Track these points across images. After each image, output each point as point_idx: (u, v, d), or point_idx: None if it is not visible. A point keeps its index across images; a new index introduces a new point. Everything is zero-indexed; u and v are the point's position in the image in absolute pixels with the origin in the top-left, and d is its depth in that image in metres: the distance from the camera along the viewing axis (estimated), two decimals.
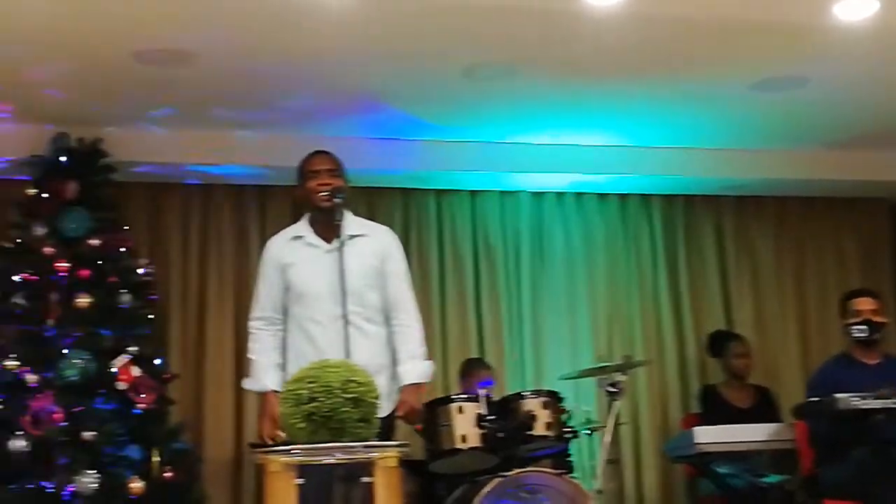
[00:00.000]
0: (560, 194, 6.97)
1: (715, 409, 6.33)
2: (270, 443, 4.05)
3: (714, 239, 7.18)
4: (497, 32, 4.90)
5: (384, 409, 3.96)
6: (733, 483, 5.71)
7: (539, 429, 5.02)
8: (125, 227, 5.89)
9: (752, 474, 5.64)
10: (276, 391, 4.17)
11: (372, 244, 4.38)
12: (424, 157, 6.42)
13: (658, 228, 7.09)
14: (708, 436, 5.53)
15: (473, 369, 6.08)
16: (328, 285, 4.20)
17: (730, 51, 5.20)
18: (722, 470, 5.67)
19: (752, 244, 7.22)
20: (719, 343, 6.62)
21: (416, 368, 4.32)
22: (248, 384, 4.51)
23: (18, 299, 5.37)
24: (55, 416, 5.12)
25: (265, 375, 4.32)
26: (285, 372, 4.27)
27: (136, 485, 5.12)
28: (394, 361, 4.36)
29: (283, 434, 3.97)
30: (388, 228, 4.64)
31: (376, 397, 3.43)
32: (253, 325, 4.45)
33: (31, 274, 5.42)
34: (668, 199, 7.13)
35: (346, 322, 4.07)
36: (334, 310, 4.14)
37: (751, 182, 6.95)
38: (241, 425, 6.19)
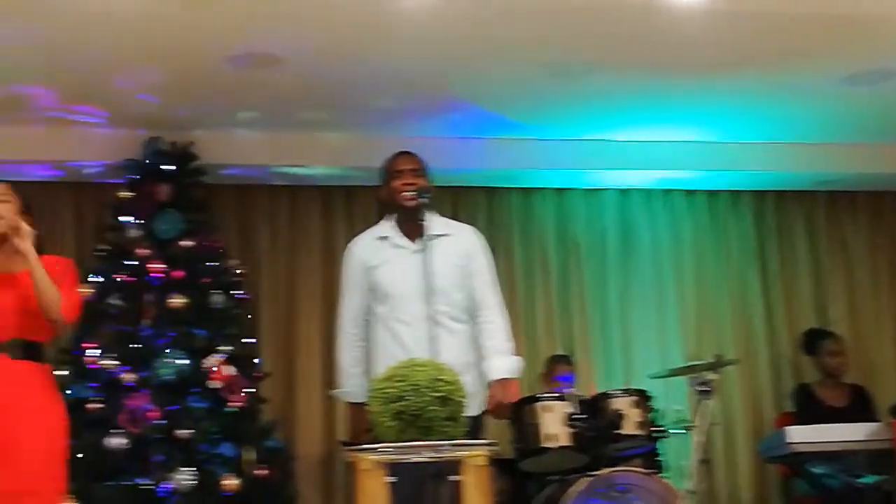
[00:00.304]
0: (647, 191, 6.91)
1: (809, 409, 6.22)
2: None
3: (806, 235, 7.05)
4: (581, 30, 4.88)
5: (472, 408, 3.98)
6: (829, 484, 5.60)
7: (628, 428, 4.98)
8: (216, 229, 5.99)
9: (849, 475, 5.53)
10: (364, 403, 4.18)
11: (457, 243, 4.39)
12: (509, 156, 6.41)
13: (748, 225, 6.99)
14: (802, 435, 5.44)
15: (556, 366, 6.06)
16: (415, 285, 4.21)
17: (820, 44, 5.11)
18: (817, 470, 5.57)
19: (845, 240, 7.08)
20: (813, 341, 6.50)
21: (504, 364, 4.32)
22: (336, 394, 4.53)
23: (115, 300, 5.48)
24: (151, 414, 5.21)
25: (355, 387, 4.34)
26: (373, 371, 4.29)
27: (231, 482, 5.19)
28: (480, 359, 4.36)
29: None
30: (472, 227, 4.64)
31: (464, 396, 3.44)
32: (341, 329, 4.46)
33: (127, 275, 5.53)
34: (759, 195, 7.03)
35: (434, 322, 4.09)
36: (421, 309, 4.15)
37: (843, 177, 6.81)
38: (332, 423, 6.23)
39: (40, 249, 3.89)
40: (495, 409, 4.28)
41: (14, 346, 3.72)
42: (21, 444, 3.62)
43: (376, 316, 4.39)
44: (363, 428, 4.15)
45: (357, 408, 4.31)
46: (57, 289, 3.75)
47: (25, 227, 3.72)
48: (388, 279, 4.33)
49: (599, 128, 6.27)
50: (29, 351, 3.77)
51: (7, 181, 3.98)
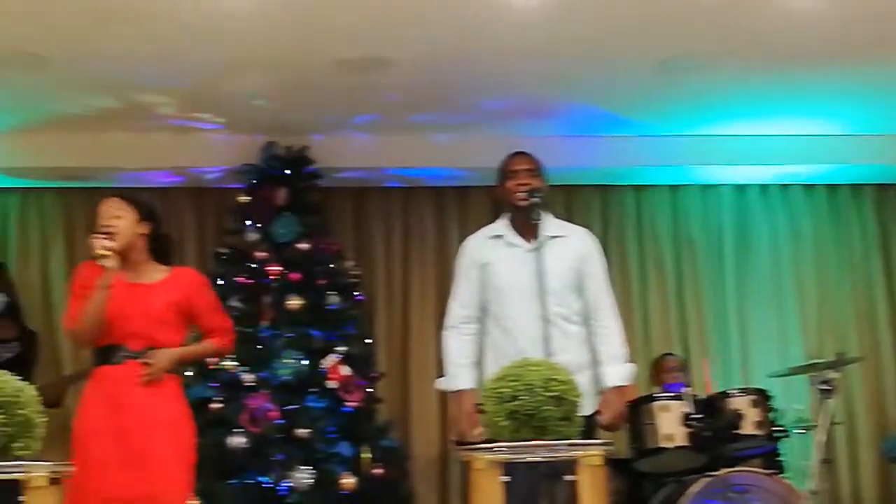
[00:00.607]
0: (764, 186, 6.78)
1: None
2: (473, 440, 4.07)
3: None
4: (694, 24, 4.80)
5: (586, 408, 3.95)
6: None
7: (747, 427, 4.90)
8: (331, 231, 6.07)
9: None
10: (471, 389, 4.17)
11: (571, 245, 4.33)
12: (621, 153, 6.35)
13: (870, 219, 6.80)
14: None
15: (666, 364, 5.97)
16: (528, 285, 4.17)
17: None
18: None
19: None
20: None
21: (619, 371, 4.26)
22: (441, 384, 4.51)
23: (234, 302, 5.57)
24: (271, 413, 5.30)
25: (460, 375, 4.32)
26: (483, 369, 4.28)
27: (348, 481, 5.25)
28: (594, 362, 4.32)
29: (480, 430, 4.00)
30: (586, 230, 4.58)
31: (578, 395, 3.40)
32: (449, 324, 4.44)
33: (246, 278, 5.64)
34: (882, 188, 6.83)
35: (547, 321, 4.06)
36: (535, 309, 4.12)
37: None
38: (447, 423, 6.24)
39: (170, 258, 4.00)
40: (612, 422, 4.22)
41: (146, 355, 3.81)
42: (154, 450, 3.72)
43: (489, 314, 4.36)
44: (468, 418, 4.13)
45: (462, 396, 4.26)
46: (215, 346, 3.98)
47: None
48: (501, 277, 4.30)
49: (713, 122, 6.17)
50: None
51: (129, 188, 4.09)
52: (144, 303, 3.81)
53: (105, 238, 3.75)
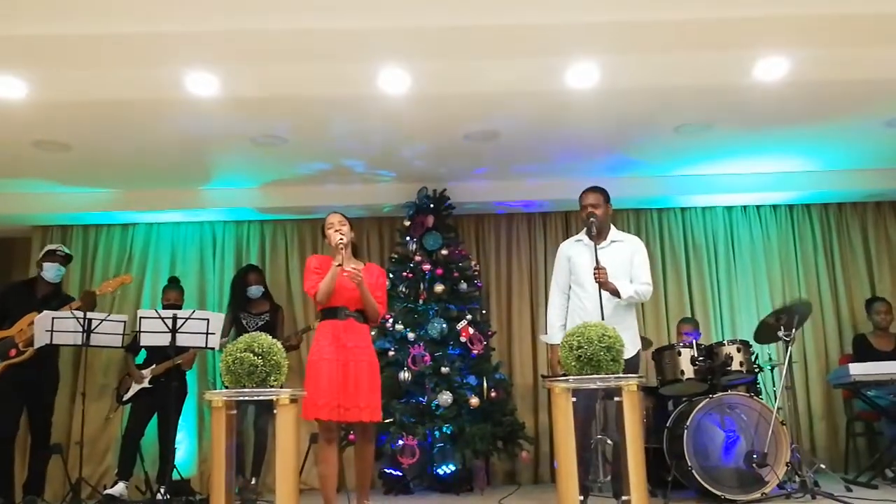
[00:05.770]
0: (745, 207, 6.56)
1: (863, 352, 5.75)
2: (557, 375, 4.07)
3: (861, 237, 6.51)
4: (699, 99, 4.72)
5: (629, 353, 3.91)
6: (879, 402, 5.18)
7: (735, 366, 4.79)
8: (461, 242, 6.11)
9: (893, 395, 5.13)
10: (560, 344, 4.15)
11: (626, 247, 4.27)
12: (647, 187, 6.22)
13: (817, 228, 6.53)
14: (860, 370, 5.04)
15: (685, 325, 5.85)
16: (592, 271, 4.13)
17: (863, 99, 4.73)
18: (870, 393, 5.16)
19: (888, 236, 6.51)
20: (868, 305, 6.00)
21: (629, 289, 4.11)
22: (543, 338, 4.49)
23: (402, 288, 5.69)
24: (425, 358, 5.39)
25: (555, 334, 4.32)
26: (569, 326, 4.23)
27: (474, 400, 5.31)
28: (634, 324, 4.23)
29: (561, 370, 3.99)
30: (638, 238, 4.50)
31: (623, 345, 3.38)
32: (551, 297, 4.38)
33: (408, 273, 5.73)
34: (825, 206, 6.56)
35: (604, 296, 4.02)
36: (596, 288, 4.08)
37: (888, 191, 6.26)
38: (536, 364, 6.26)
39: (360, 257, 4.09)
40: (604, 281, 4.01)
41: (359, 313, 3.93)
42: (364, 377, 3.84)
43: (572, 289, 4.33)
44: (556, 360, 4.13)
45: (554, 348, 4.25)
46: (376, 303, 3.94)
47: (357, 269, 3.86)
48: (577, 266, 4.27)
49: (711, 165, 6.01)
50: (364, 317, 3.97)
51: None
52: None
53: (343, 234, 3.92)
